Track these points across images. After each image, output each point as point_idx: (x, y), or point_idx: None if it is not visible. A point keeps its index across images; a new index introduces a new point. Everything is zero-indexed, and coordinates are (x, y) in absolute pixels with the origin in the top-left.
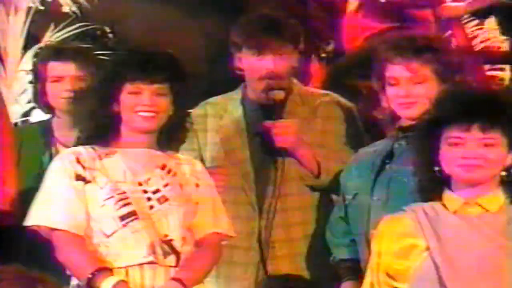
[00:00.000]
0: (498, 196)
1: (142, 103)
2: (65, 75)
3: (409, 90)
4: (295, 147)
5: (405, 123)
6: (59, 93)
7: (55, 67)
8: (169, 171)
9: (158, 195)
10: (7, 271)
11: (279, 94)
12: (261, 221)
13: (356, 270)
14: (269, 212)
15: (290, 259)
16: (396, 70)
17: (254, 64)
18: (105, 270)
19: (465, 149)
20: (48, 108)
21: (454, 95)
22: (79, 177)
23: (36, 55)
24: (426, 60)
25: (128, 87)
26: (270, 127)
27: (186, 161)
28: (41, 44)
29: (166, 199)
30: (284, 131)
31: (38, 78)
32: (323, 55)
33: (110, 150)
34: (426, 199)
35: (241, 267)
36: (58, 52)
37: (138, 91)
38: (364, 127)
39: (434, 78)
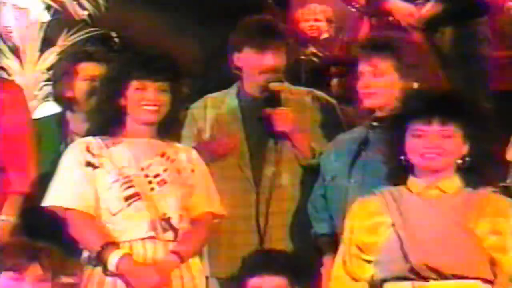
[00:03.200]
0: (455, 180)
1: (147, 98)
2: (96, 75)
3: (369, 82)
4: (292, 132)
5: (379, 114)
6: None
7: (88, 67)
8: (168, 158)
9: (158, 178)
10: (12, 243)
11: (278, 86)
12: (259, 195)
13: (336, 245)
14: (267, 188)
15: (282, 230)
16: (361, 65)
17: (255, 61)
18: (113, 244)
19: (427, 140)
20: (68, 102)
21: (418, 93)
22: (89, 164)
23: (67, 57)
24: (385, 56)
25: (135, 84)
26: (270, 114)
27: (183, 150)
28: (56, 48)
29: (165, 182)
30: (283, 117)
31: (67, 76)
32: (303, 57)
33: (116, 139)
34: (394, 184)
35: (242, 235)
36: (90, 54)
37: (143, 88)
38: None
39: (394, 72)
